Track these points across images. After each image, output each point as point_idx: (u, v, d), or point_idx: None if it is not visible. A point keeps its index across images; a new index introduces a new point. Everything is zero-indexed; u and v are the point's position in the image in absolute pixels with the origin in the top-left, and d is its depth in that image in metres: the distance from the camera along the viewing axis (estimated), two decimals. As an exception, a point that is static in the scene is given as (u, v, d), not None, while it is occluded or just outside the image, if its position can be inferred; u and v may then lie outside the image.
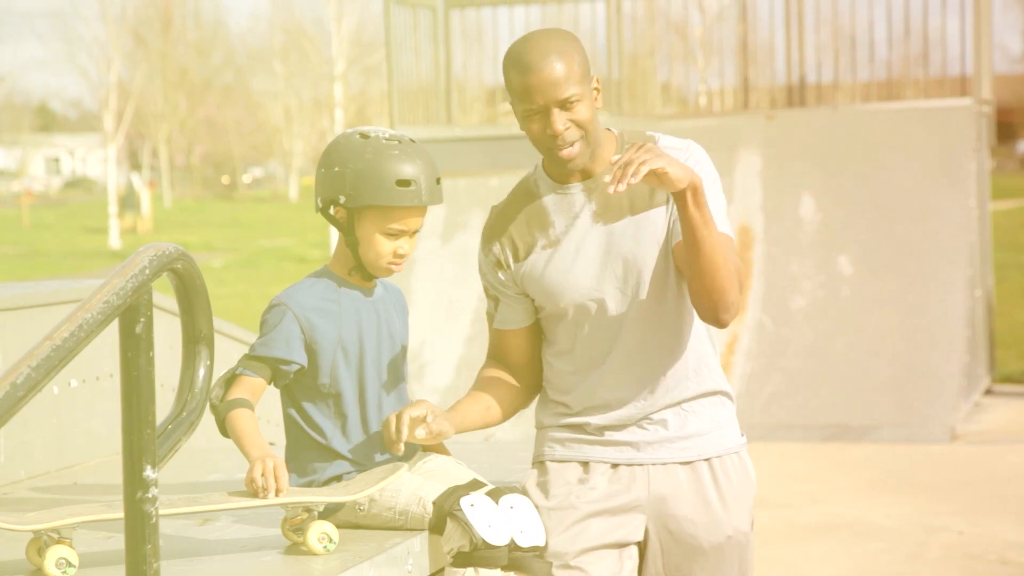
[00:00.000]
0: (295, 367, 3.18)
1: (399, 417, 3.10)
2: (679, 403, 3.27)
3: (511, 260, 3.28)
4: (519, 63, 3.13)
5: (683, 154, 3.23)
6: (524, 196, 3.30)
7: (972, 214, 11.45)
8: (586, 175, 3.25)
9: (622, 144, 3.27)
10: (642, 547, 3.30)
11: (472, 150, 12.17)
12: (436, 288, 11.81)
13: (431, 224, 11.42)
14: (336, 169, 3.17)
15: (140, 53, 54.41)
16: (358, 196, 3.14)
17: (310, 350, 3.18)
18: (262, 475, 2.99)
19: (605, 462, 3.27)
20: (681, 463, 3.27)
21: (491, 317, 3.36)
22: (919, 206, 11.36)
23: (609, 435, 3.27)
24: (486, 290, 3.36)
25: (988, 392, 12.01)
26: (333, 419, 3.22)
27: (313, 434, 3.21)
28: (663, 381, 3.26)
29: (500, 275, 3.30)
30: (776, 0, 12.90)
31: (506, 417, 3.34)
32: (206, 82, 60.20)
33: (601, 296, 3.22)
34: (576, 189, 3.25)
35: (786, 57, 12.87)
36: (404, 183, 3.13)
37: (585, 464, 3.28)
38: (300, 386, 3.22)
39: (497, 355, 3.36)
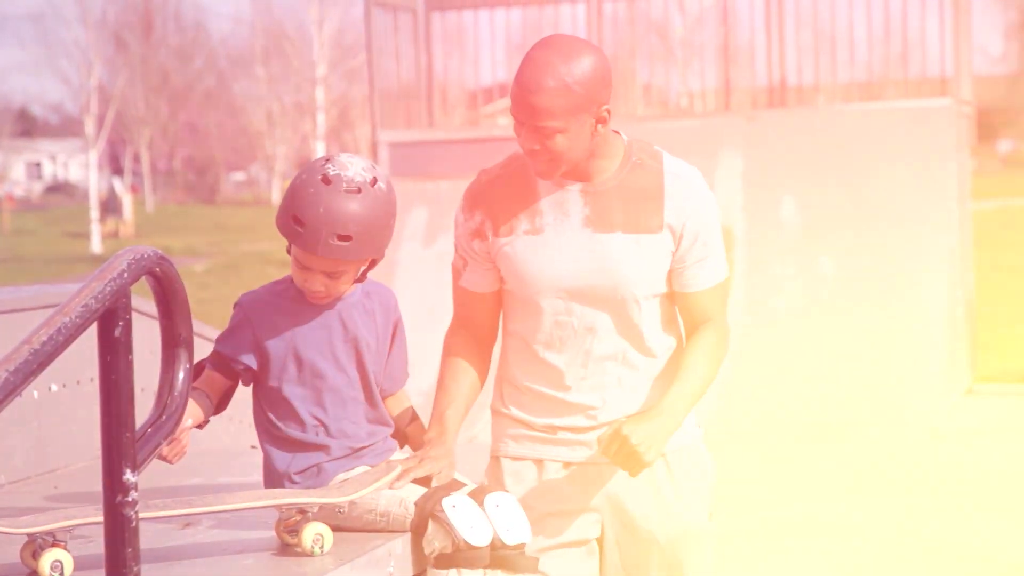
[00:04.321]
0: (241, 367, 3.20)
1: (403, 474, 3.12)
2: (635, 414, 3.25)
3: (490, 233, 3.23)
4: (520, 71, 3.09)
5: (688, 186, 3.23)
6: (517, 174, 3.24)
7: (953, 214, 11.48)
8: (582, 177, 3.21)
9: (630, 154, 3.22)
10: (600, 543, 3.31)
11: (454, 153, 12.16)
12: (419, 291, 11.79)
13: (413, 227, 11.41)
14: None
15: (121, 57, 54.32)
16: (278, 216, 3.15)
17: (261, 353, 3.19)
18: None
19: (558, 461, 3.27)
20: None
21: (457, 272, 3.31)
22: (900, 207, 11.38)
23: (562, 435, 3.27)
24: (456, 248, 3.30)
25: (969, 392, 12.04)
26: (295, 418, 3.21)
27: (282, 427, 3.21)
28: (620, 395, 3.24)
29: (475, 243, 3.25)
30: (757, 1, 12.92)
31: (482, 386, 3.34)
32: (188, 86, 60.06)
33: (573, 299, 3.20)
34: (574, 188, 3.21)
35: (767, 58, 12.90)
36: (298, 222, 3.10)
37: (539, 462, 3.28)
38: (259, 386, 3.24)
39: (463, 313, 3.32)
